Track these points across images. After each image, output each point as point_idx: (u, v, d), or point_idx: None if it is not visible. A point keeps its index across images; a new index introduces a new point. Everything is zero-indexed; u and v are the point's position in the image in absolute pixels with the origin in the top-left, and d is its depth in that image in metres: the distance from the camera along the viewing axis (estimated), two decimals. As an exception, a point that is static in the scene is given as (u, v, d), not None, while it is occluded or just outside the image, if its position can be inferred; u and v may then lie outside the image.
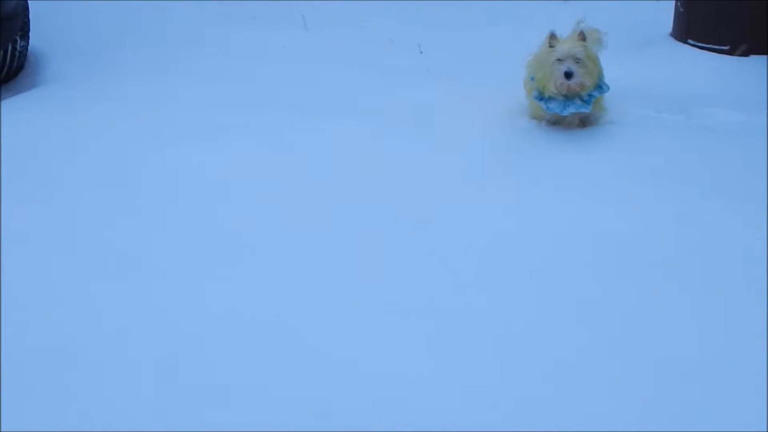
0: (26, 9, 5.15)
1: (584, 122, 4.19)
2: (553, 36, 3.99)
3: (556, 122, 4.16)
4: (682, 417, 2.32)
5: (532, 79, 4.14)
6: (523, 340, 2.65)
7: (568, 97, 4.01)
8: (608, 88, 4.12)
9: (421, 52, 5.57)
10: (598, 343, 2.64)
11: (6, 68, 4.97)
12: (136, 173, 3.75)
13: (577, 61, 3.91)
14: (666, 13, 5.50)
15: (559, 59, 3.93)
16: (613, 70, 4.37)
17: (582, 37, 3.97)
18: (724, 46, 5.04)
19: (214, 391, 2.44)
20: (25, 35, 5.12)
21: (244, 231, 3.30)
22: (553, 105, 4.05)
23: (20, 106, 4.51)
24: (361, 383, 2.47)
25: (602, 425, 2.29)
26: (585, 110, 4.05)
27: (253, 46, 5.70)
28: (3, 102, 4.57)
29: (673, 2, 5.45)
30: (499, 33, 5.77)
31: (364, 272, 3.03)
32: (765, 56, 4.99)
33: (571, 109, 4.03)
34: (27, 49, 5.20)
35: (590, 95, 4.03)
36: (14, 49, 4.96)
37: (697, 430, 2.27)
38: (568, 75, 3.89)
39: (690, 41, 5.21)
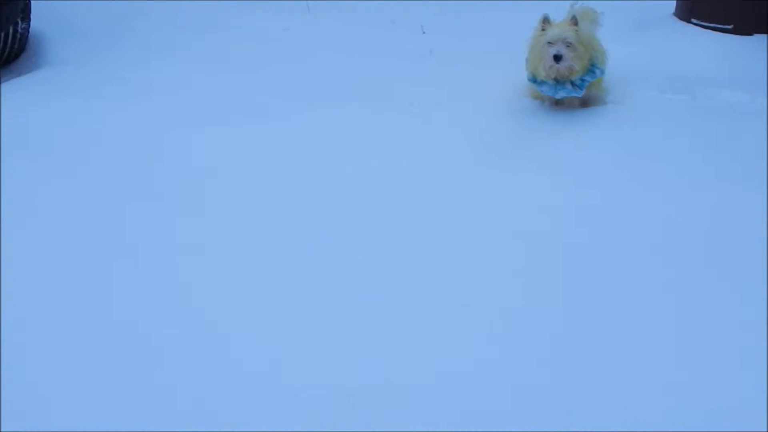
0: (28, -9, 5.15)
1: (586, 103, 4.18)
2: (545, 20, 3.99)
3: (558, 102, 4.15)
4: (686, 413, 2.31)
5: (527, 60, 4.14)
6: (530, 324, 2.64)
7: (559, 81, 4.00)
8: (602, 72, 4.11)
9: (424, 33, 5.54)
10: (607, 325, 2.63)
11: (7, 50, 4.96)
12: (137, 157, 3.75)
13: (568, 45, 3.90)
14: (670, -7, 5.47)
15: (549, 42, 3.93)
16: (616, 51, 4.35)
17: (574, 21, 3.95)
18: (728, 25, 5.00)
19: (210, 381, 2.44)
20: (26, 17, 5.11)
21: (247, 216, 3.29)
22: (545, 88, 4.07)
23: (21, 88, 4.51)
24: (367, 370, 2.46)
25: (608, 416, 2.30)
26: (576, 95, 4.05)
27: (256, 29, 5.69)
28: (3, 84, 4.56)
29: (677, -18, 5.42)
30: (502, 14, 5.74)
31: (370, 256, 3.02)
32: (769, 35, 4.95)
33: (562, 93, 4.04)
34: (28, 32, 5.19)
35: (582, 80, 4.02)
36: (15, 31, 4.95)
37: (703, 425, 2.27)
38: (557, 58, 3.89)
39: (694, 21, 5.17)
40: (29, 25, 5.18)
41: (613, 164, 3.63)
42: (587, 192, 3.41)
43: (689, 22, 5.20)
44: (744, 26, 4.98)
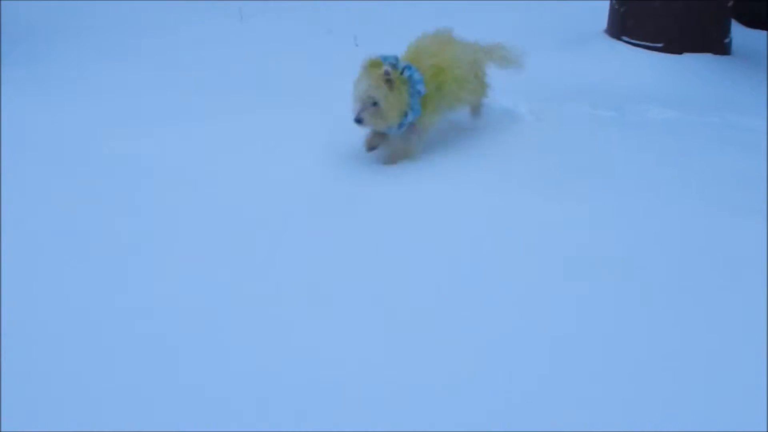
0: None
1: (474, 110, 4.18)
2: (374, 63, 3.79)
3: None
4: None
5: None
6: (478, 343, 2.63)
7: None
8: (415, 115, 3.84)
9: (357, 45, 5.54)
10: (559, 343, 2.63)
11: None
12: (83, 157, 3.71)
13: (374, 103, 3.72)
14: (601, 10, 5.54)
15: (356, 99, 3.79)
16: (548, 67, 4.39)
17: (386, 78, 3.71)
18: (658, 43, 5.09)
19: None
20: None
21: (184, 217, 3.26)
22: None
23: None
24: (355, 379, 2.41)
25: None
26: (398, 132, 3.87)
27: (191, 35, 5.68)
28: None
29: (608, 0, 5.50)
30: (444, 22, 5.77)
31: (292, 260, 2.98)
32: (699, 54, 5.06)
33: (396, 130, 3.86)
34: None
35: (401, 125, 3.84)
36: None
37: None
38: (358, 122, 3.73)
39: (625, 38, 5.25)
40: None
41: (542, 178, 3.62)
42: (514, 208, 3.38)
43: (620, 39, 5.28)
44: (674, 45, 5.08)
